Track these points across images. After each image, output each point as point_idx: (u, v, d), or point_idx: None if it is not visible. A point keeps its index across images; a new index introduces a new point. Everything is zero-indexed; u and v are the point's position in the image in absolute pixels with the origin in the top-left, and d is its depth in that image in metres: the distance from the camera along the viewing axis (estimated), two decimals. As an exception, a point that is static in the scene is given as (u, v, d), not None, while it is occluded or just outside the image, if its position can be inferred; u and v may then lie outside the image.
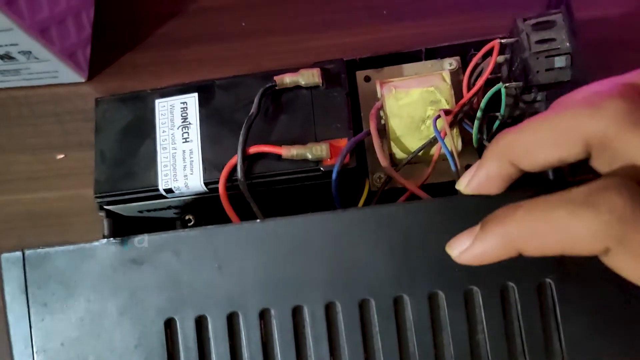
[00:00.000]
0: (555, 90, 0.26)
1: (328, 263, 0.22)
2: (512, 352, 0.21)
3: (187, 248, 0.23)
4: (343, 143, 0.27)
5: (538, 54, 0.25)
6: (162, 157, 0.28)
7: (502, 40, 0.27)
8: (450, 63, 0.32)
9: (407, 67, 0.32)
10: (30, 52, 0.38)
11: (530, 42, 0.25)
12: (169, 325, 0.23)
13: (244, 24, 0.45)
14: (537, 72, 0.25)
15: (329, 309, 0.22)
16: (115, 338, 0.22)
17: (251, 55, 0.44)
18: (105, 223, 0.23)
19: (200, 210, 0.31)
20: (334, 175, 0.26)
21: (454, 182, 0.29)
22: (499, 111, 0.28)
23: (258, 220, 0.23)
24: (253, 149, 0.27)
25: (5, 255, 0.23)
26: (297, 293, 0.22)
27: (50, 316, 0.23)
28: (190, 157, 0.28)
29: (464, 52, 0.32)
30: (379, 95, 0.30)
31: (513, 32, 0.26)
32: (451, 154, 0.26)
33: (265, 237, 0.23)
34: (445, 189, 0.30)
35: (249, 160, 0.27)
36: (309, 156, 0.27)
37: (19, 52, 0.38)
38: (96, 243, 0.23)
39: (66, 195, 0.41)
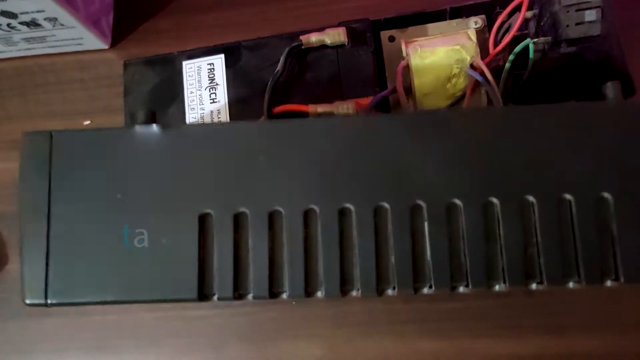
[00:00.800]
0: (584, 44, 0.26)
1: (380, 166, 0.21)
2: (565, 266, 0.20)
3: (231, 140, 0.21)
4: (369, 102, 0.27)
5: (568, 8, 0.25)
6: (190, 118, 0.29)
7: (532, -6, 0.26)
8: (475, 22, 0.31)
9: (432, 27, 0.32)
10: (56, 19, 0.39)
11: (560, -4, 0.25)
12: (204, 220, 0.21)
13: (263, -12, 0.45)
14: (567, 26, 0.25)
15: (378, 213, 0.21)
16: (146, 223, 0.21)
17: (272, 19, 0.44)
18: (141, 113, 0.22)
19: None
20: None
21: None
22: (525, 69, 0.28)
23: (308, 118, 0.22)
24: (279, 109, 0.27)
25: (29, 134, 0.21)
26: (346, 194, 0.21)
27: (72, 203, 0.21)
28: (218, 117, 0.28)
29: (490, 10, 0.32)
30: (404, 54, 0.30)
31: (543, -14, 0.26)
32: (492, 87, 0.26)
33: (315, 133, 0.21)
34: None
35: (275, 118, 0.28)
36: (336, 114, 0.27)
37: (45, 19, 0.39)
38: (133, 129, 0.21)
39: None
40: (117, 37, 0.45)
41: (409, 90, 0.29)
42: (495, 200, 0.21)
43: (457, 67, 0.29)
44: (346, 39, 0.28)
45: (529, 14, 0.27)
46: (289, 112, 0.27)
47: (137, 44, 0.45)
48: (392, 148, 0.21)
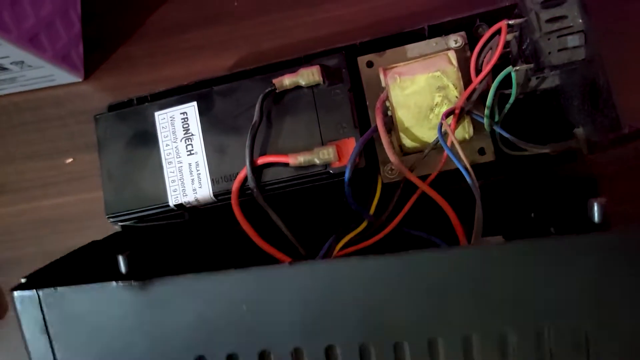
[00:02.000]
0: (569, 68, 0.24)
1: (359, 307, 0.21)
2: None
3: (212, 290, 0.22)
4: (350, 143, 0.27)
5: (549, 34, 0.23)
6: (168, 172, 0.28)
7: (510, 22, 0.25)
8: (455, 40, 0.30)
9: (411, 48, 0.31)
10: (22, 62, 0.37)
11: (540, 22, 0.24)
12: None
13: (236, 4, 0.43)
14: (549, 53, 0.24)
15: (363, 351, 0.22)
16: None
17: (248, 36, 0.42)
18: (121, 261, 0.22)
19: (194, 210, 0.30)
20: (346, 181, 0.26)
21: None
22: (510, 88, 0.27)
23: (287, 264, 0.22)
24: (260, 160, 0.26)
25: (18, 294, 0.23)
26: (330, 333, 0.21)
27: (74, 353, 0.23)
28: (197, 170, 0.28)
29: (469, 24, 0.30)
30: (383, 84, 0.29)
31: (521, 10, 0.25)
32: (465, 168, 0.25)
33: (295, 281, 0.22)
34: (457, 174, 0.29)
35: (257, 170, 0.27)
36: (317, 161, 0.26)
37: (12, 63, 0.37)
38: (114, 284, 0.22)
39: (80, 199, 0.41)
40: (90, 68, 0.44)
41: (391, 123, 0.28)
42: (475, 335, 0.21)
43: (439, 96, 0.28)
44: (321, 78, 0.27)
45: (510, 36, 0.26)
46: (270, 163, 0.27)
47: (111, 73, 0.44)
48: (371, 289, 0.21)
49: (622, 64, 0.34)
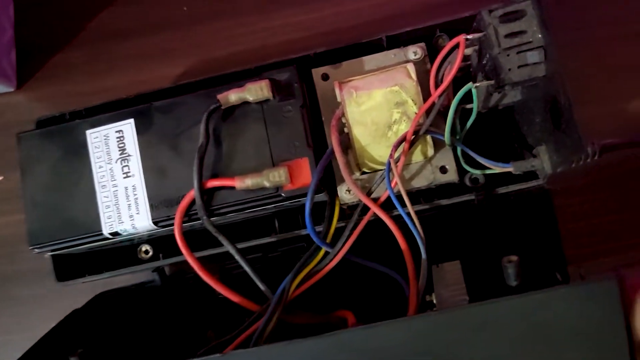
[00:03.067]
0: (530, 84, 0.23)
1: None
2: None
3: None
4: (304, 164, 0.25)
5: (508, 50, 0.22)
6: (102, 197, 0.25)
7: (468, 37, 0.24)
8: (414, 52, 0.28)
9: (368, 60, 0.29)
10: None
11: (499, 37, 0.22)
12: None
13: (185, 9, 0.40)
14: (509, 69, 0.22)
15: None
16: None
17: (199, 44, 0.40)
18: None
19: (156, 240, 0.28)
20: (307, 214, 0.24)
21: (429, 189, 0.27)
22: (471, 102, 0.26)
23: (218, 355, 0.20)
24: (207, 185, 0.24)
25: None
26: None
27: None
28: (135, 194, 0.25)
29: (429, 36, 0.29)
30: (338, 99, 0.27)
31: (479, 25, 0.23)
32: (407, 214, 0.24)
33: None
34: (419, 195, 0.28)
35: (202, 194, 0.24)
36: (267, 184, 0.24)
37: None
38: None
39: (12, 220, 0.38)
40: (24, 76, 0.40)
41: (348, 139, 0.27)
42: None
43: (398, 112, 0.26)
44: (270, 94, 0.25)
45: (469, 50, 0.25)
46: (217, 187, 0.24)
47: (47, 82, 0.40)
48: None
49: (581, 73, 0.34)
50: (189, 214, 0.25)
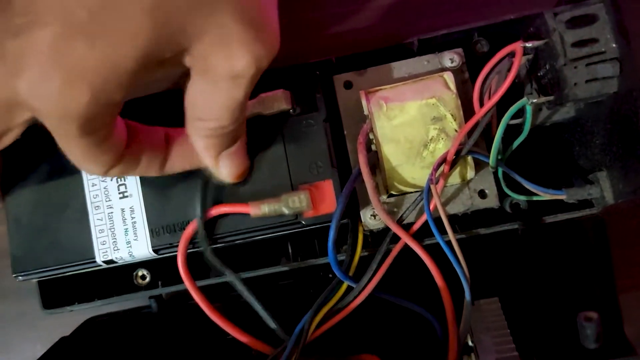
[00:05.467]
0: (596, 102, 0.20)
1: None
2: None
3: None
4: (327, 187, 0.21)
5: (576, 62, 0.19)
6: (95, 219, 0.22)
7: (527, 44, 0.20)
8: (451, 58, 0.25)
9: (398, 66, 0.25)
10: None
11: (565, 45, 0.19)
12: None
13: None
14: (575, 84, 0.19)
15: None
16: None
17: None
18: None
19: (154, 264, 0.25)
20: (330, 250, 0.20)
21: (465, 216, 0.24)
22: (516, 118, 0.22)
23: None
24: (214, 211, 0.21)
25: None
26: None
27: None
28: (132, 218, 0.22)
29: (467, 40, 0.26)
30: (365, 111, 0.24)
31: (540, 30, 0.20)
32: (447, 243, 0.21)
33: None
34: (453, 222, 0.24)
35: (210, 222, 0.21)
36: (286, 211, 0.21)
37: None
38: None
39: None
40: None
41: (375, 157, 0.23)
42: None
43: (435, 128, 0.23)
44: (289, 105, 0.21)
45: (522, 59, 0.21)
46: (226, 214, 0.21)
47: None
48: None
49: None
50: (194, 242, 0.22)
